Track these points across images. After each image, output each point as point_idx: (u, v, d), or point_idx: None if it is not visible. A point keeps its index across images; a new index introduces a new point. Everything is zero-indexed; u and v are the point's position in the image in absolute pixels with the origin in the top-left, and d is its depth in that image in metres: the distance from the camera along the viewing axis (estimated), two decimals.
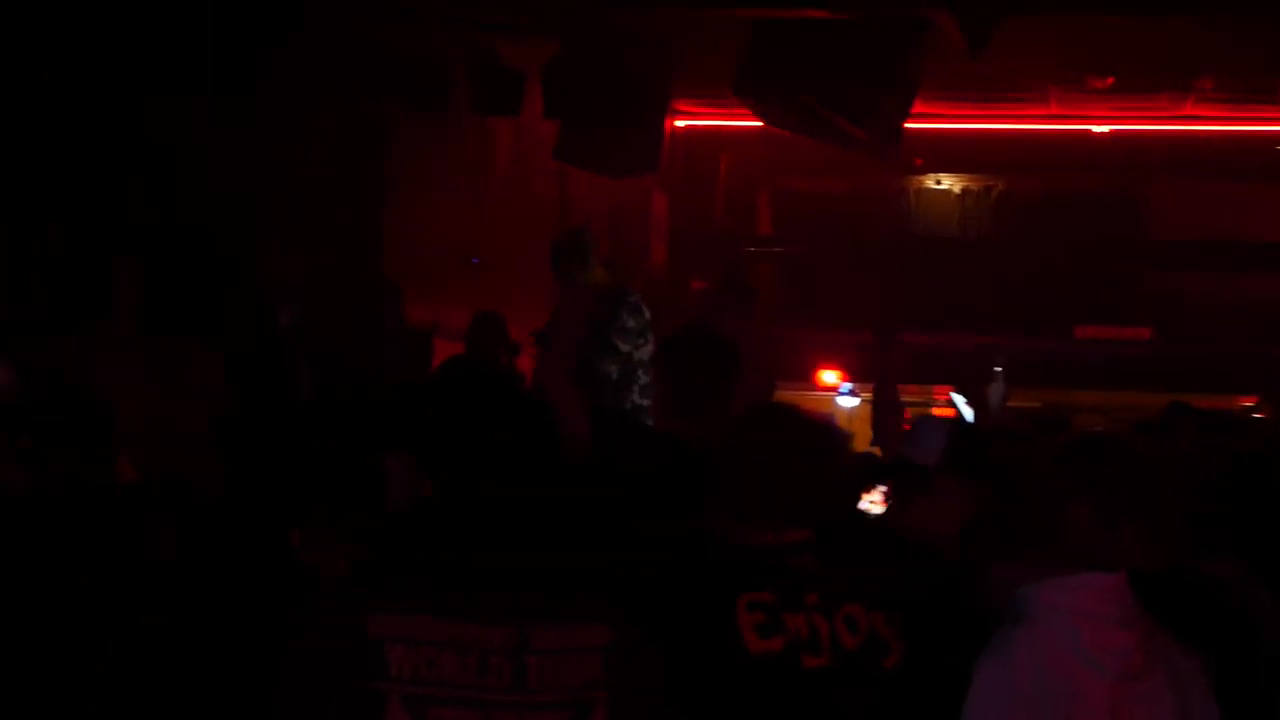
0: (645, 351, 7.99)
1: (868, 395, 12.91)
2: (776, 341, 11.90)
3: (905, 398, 6.57)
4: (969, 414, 7.92)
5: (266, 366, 8.42)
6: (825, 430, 3.94)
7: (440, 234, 11.56)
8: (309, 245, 9.40)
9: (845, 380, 13.49)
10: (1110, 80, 12.84)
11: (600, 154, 11.12)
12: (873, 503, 5.15)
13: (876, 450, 6.23)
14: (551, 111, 10.84)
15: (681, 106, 14.40)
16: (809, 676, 3.57)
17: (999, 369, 8.14)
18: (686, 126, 15.18)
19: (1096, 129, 14.71)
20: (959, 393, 8.36)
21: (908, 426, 5.79)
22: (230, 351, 7.95)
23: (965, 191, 16.24)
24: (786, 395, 11.57)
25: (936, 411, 11.75)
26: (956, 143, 15.00)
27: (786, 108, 10.39)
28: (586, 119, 10.74)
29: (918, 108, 10.41)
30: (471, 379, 3.81)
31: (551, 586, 3.26)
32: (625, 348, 8.04)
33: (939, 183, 16.17)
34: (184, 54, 8.92)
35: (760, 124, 11.67)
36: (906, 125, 10.38)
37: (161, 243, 8.93)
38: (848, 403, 13.19)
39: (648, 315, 8.19)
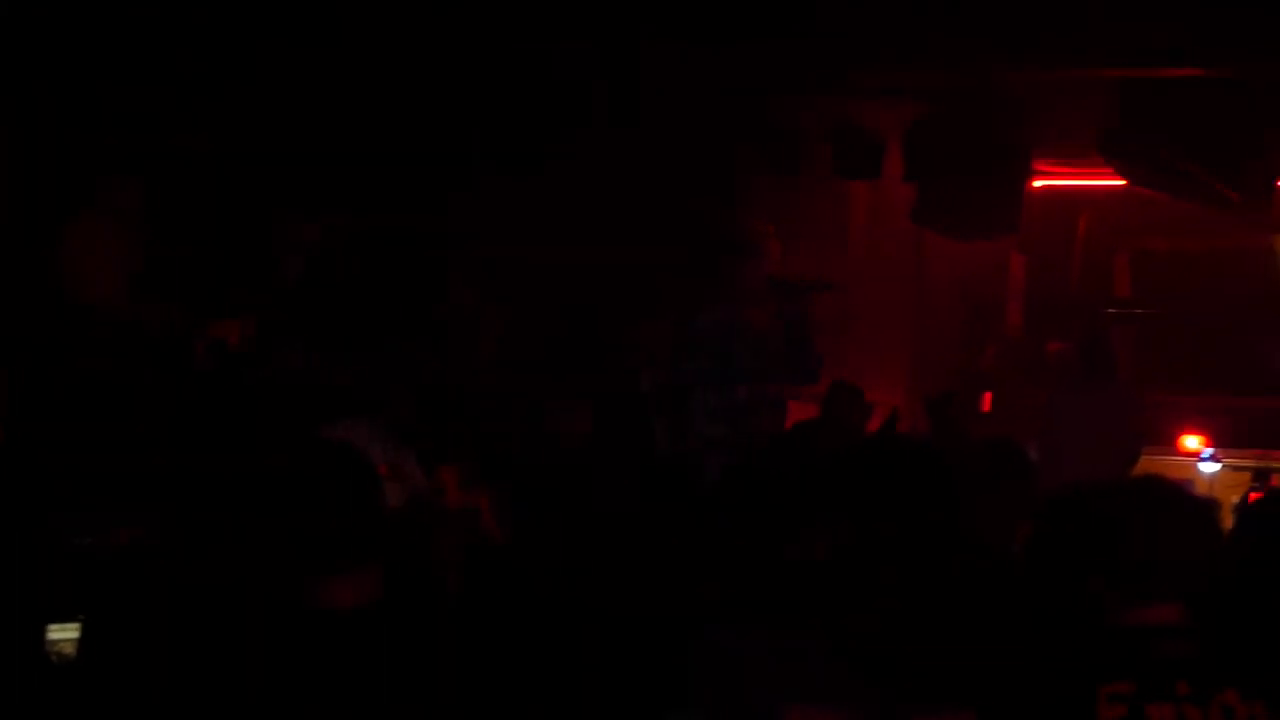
0: None
1: (1230, 461, 12.64)
2: (1144, 408, 11.61)
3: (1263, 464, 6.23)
4: None
5: (626, 424, 8.57)
6: (1203, 503, 3.85)
7: None
8: (667, 309, 9.51)
9: (1208, 445, 13.11)
10: None
11: (959, 217, 11.01)
12: None
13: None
14: (911, 175, 10.79)
15: (1040, 166, 14.21)
16: None
17: None
18: (1044, 186, 14.96)
19: None
20: None
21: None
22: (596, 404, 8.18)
23: None
24: (1147, 461, 11.35)
25: None
26: None
27: (1154, 168, 10.19)
28: (947, 182, 10.66)
29: None
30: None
31: (924, 672, 3.24)
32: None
33: None
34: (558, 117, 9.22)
35: (1120, 183, 11.46)
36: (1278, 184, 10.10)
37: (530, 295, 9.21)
38: (1209, 469, 12.82)
39: None
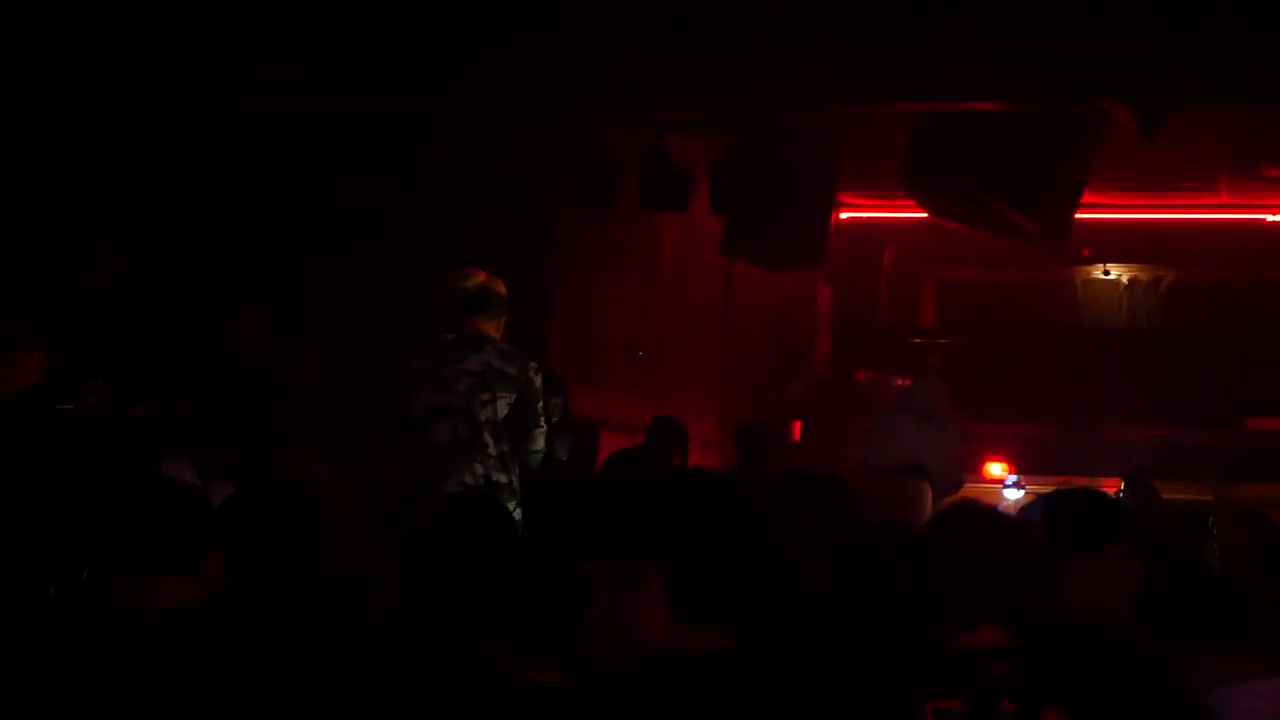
0: None
1: (1033, 487, 12.86)
2: (972, 438, 11.66)
3: None
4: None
5: None
6: (1022, 529, 3.90)
7: (606, 329, 11.61)
8: None
9: (1012, 472, 13.34)
10: None
11: (767, 249, 11.07)
12: None
13: None
14: (719, 208, 10.82)
15: (845, 199, 14.39)
16: None
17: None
18: (850, 218, 15.17)
19: (1270, 218, 14.48)
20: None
21: None
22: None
23: (1133, 281, 16.01)
24: None
25: None
26: (1125, 232, 14.82)
27: (953, 200, 10.31)
28: (753, 215, 10.71)
29: (1086, 197, 10.27)
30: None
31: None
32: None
33: (1106, 273, 15.95)
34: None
35: (924, 215, 11.61)
36: (1075, 216, 10.27)
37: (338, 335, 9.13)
38: (1013, 495, 13.03)
39: None
